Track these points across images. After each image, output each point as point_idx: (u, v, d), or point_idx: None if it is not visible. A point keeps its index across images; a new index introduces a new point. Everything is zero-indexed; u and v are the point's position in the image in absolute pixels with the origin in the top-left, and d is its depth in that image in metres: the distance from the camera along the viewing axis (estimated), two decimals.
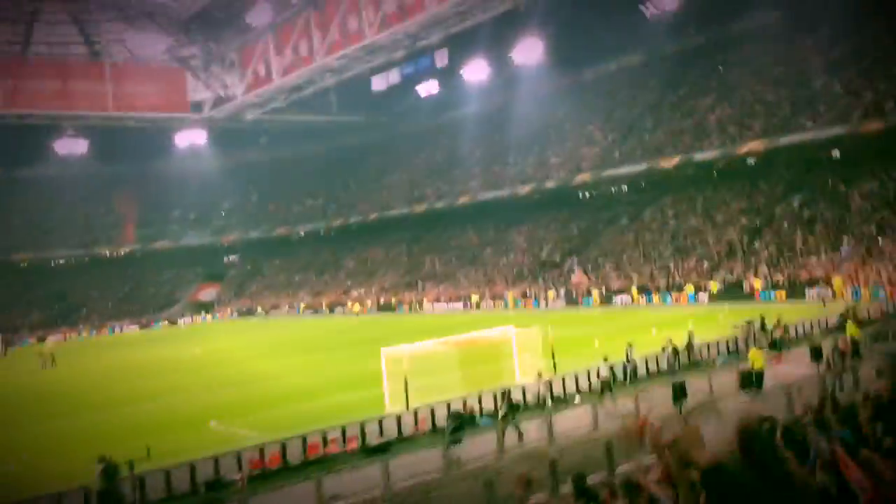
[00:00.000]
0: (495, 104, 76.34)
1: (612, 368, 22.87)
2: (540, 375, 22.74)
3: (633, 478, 5.74)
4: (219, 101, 76.92)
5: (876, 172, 47.18)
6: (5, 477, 19.63)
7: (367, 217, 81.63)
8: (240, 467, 17.37)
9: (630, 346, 24.96)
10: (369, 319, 62.30)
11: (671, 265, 51.48)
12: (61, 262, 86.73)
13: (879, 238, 42.49)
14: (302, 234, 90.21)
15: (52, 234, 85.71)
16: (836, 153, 51.53)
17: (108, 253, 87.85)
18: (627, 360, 24.68)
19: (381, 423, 19.98)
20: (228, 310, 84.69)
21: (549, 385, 22.72)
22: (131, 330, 78.04)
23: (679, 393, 18.34)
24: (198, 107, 78.50)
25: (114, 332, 77.28)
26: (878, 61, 50.32)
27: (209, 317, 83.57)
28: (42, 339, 65.80)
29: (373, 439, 19.25)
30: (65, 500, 15.71)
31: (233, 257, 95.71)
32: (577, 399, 22.27)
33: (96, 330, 77.47)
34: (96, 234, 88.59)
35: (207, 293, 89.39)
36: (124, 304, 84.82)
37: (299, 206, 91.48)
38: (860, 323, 26.67)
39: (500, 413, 18.67)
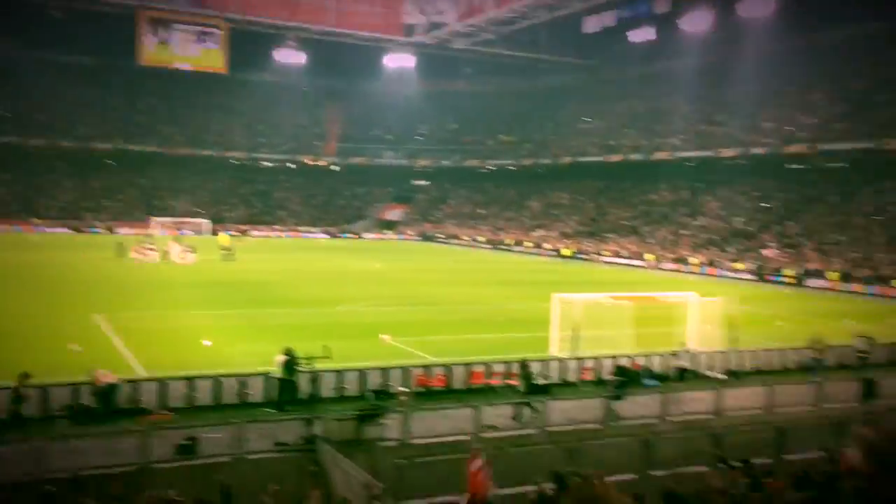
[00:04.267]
0: (712, 58, 71.68)
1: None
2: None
3: None
4: (431, 28, 78.24)
5: None
6: (201, 353, 21.69)
7: (558, 160, 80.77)
8: (406, 382, 18.10)
9: (817, 338, 23.03)
10: (546, 263, 62.27)
11: (880, 255, 47.25)
12: (268, 164, 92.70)
13: None
14: (492, 168, 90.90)
15: (263, 136, 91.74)
16: None
17: (309, 162, 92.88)
18: (815, 351, 22.81)
19: (545, 364, 20.05)
20: (411, 231, 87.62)
21: (729, 359, 21.91)
22: (321, 237, 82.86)
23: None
24: (410, 31, 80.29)
25: (306, 237, 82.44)
26: None
27: (392, 235, 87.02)
28: (243, 233, 71.17)
29: (536, 378, 19.34)
30: (249, 381, 17.09)
31: (422, 182, 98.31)
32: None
33: (290, 232, 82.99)
34: (301, 142, 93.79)
35: (394, 213, 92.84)
36: (318, 212, 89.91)
37: (493, 141, 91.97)
38: None
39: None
